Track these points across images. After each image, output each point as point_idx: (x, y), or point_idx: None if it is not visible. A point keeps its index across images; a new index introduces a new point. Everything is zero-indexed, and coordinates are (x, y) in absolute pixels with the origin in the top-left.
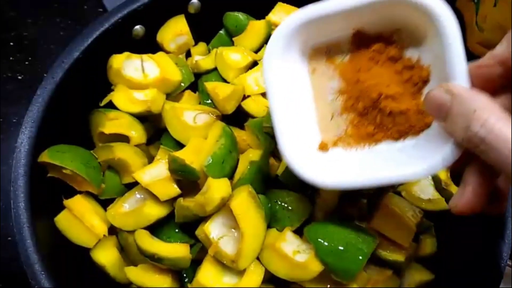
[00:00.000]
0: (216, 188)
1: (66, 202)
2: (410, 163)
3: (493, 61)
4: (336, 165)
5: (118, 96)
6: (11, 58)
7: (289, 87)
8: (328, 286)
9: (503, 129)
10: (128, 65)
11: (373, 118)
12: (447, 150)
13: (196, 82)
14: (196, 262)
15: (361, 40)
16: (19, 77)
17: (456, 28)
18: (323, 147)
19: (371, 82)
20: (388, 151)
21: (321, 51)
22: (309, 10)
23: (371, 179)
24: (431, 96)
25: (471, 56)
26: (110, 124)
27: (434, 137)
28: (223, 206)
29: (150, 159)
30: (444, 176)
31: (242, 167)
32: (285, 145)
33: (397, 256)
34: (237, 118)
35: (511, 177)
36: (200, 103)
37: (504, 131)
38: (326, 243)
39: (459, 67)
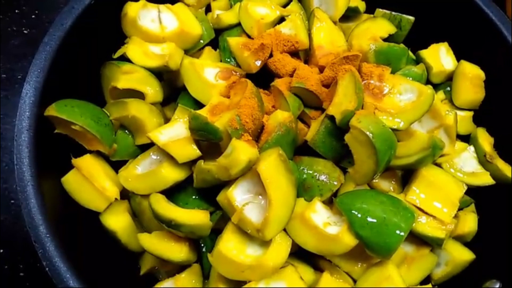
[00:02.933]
0: (241, 150)
1: (75, 161)
2: None
3: None
4: None
5: (132, 49)
6: (16, 11)
7: None
8: (360, 264)
9: None
10: (144, 15)
11: None
12: None
13: (216, 39)
14: (215, 232)
15: None
16: (25, 31)
17: None
18: None
19: None
20: None
21: None
22: None
23: None
24: None
25: None
26: (124, 78)
27: None
28: (249, 170)
29: (165, 121)
30: (488, 148)
31: (269, 130)
32: None
33: (437, 233)
34: (262, 77)
35: None
36: (221, 61)
37: None
38: (360, 215)
39: None
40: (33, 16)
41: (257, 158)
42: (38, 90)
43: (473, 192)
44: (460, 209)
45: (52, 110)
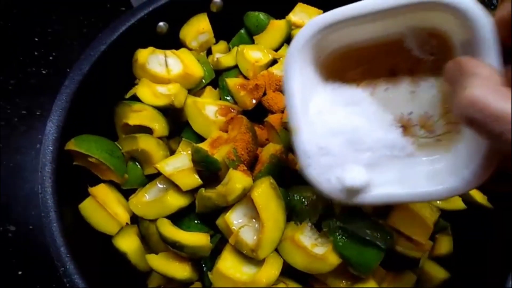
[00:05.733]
0: (237, 179)
1: (91, 189)
2: (442, 179)
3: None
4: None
5: (142, 90)
6: (35, 53)
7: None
8: (344, 281)
9: (497, 104)
10: (152, 60)
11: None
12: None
13: (216, 79)
14: (214, 253)
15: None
16: (43, 72)
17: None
18: None
19: None
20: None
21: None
22: (335, 13)
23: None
24: (446, 66)
25: None
26: (135, 116)
27: (465, 152)
28: (244, 197)
29: (171, 153)
30: None
31: (262, 161)
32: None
33: (414, 253)
34: (256, 113)
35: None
36: (220, 99)
37: (497, 106)
38: (344, 238)
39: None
40: (50, 58)
41: (251, 186)
42: (59, 127)
43: (449, 216)
44: (437, 232)
45: (71, 145)
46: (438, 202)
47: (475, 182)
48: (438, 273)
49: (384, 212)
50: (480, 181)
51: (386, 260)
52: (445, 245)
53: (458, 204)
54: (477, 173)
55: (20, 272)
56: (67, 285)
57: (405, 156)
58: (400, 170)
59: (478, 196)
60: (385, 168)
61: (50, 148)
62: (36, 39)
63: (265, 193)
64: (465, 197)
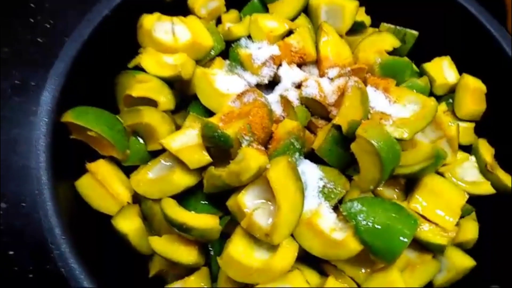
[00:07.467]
0: (252, 157)
1: (89, 165)
2: None
3: None
4: None
5: (147, 59)
6: (31, 20)
7: None
8: (364, 269)
9: None
10: (158, 27)
11: None
12: None
13: (226, 50)
14: (222, 236)
15: None
16: (40, 40)
17: None
18: None
19: None
20: None
21: None
22: None
23: None
24: None
25: None
26: (139, 86)
27: None
28: (259, 177)
29: (176, 128)
30: (489, 158)
31: (278, 138)
32: None
33: (439, 240)
34: (271, 87)
35: None
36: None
37: None
38: (365, 222)
39: None
40: (47, 26)
41: (266, 165)
42: (56, 97)
43: (474, 200)
44: (461, 217)
45: (68, 117)
46: (465, 185)
47: None
48: (464, 261)
49: (407, 195)
50: None
51: (408, 247)
52: (470, 231)
53: (486, 188)
54: None
55: (11, 252)
56: (62, 269)
57: None
58: None
59: (508, 180)
60: None
61: (45, 119)
62: (32, 5)
63: (282, 173)
64: (494, 181)
